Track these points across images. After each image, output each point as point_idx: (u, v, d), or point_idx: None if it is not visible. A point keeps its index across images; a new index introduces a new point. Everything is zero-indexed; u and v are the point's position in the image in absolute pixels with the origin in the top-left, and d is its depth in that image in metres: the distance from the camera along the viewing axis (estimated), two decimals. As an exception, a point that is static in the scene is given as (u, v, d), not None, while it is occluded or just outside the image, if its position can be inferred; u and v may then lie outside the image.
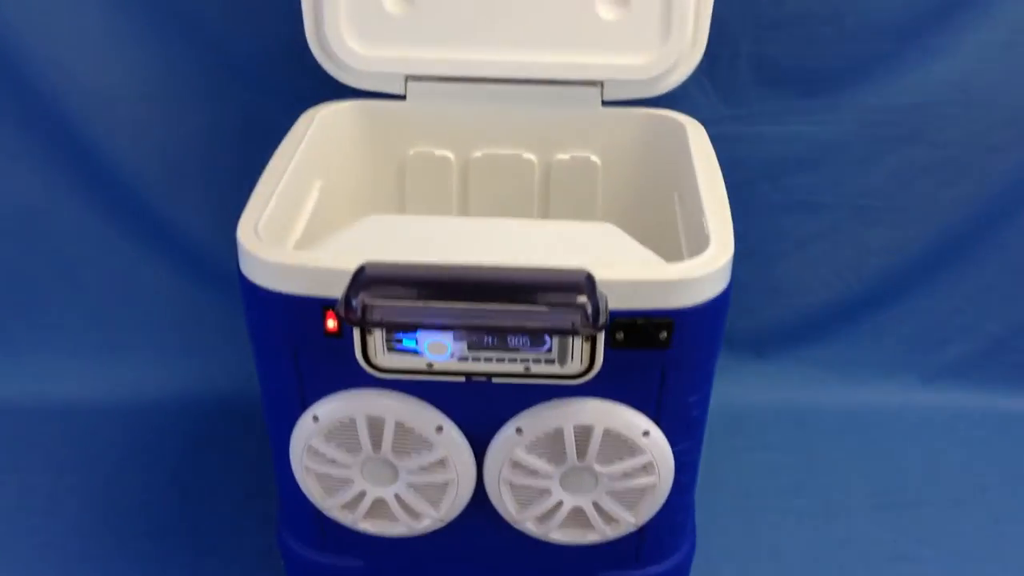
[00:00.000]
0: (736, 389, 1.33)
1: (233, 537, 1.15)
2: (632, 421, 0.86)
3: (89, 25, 1.19)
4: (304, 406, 0.88)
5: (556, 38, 1.05)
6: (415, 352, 0.82)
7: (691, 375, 0.86)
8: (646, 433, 0.86)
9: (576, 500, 0.90)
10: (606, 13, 1.05)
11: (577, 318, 0.74)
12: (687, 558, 1.02)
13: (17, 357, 1.36)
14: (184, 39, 1.20)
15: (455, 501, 0.90)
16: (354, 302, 0.76)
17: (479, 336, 0.80)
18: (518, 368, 0.82)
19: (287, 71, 1.20)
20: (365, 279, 0.76)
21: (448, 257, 0.79)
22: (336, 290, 0.79)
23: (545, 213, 1.15)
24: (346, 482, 0.90)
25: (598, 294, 0.76)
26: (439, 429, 0.86)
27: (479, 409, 0.86)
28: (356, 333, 0.81)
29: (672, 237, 1.01)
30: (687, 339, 0.83)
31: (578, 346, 0.81)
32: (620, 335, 0.81)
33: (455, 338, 0.80)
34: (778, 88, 1.22)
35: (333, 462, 0.89)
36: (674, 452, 0.89)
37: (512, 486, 0.89)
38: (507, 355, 0.81)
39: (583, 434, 0.86)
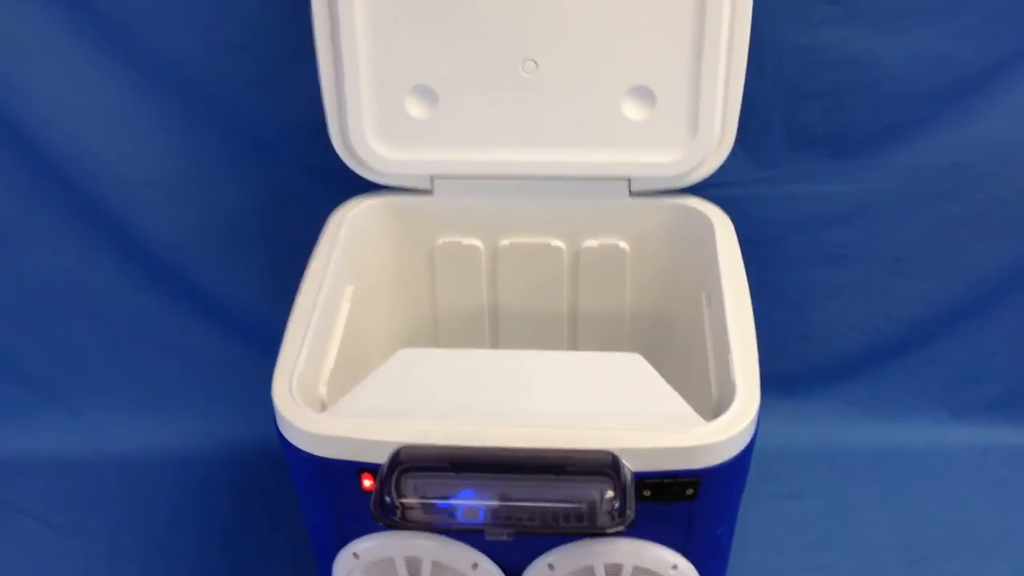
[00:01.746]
0: (766, 428, 1.36)
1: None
2: (661, 557, 0.89)
3: (118, 113, 1.20)
4: (344, 541, 0.92)
5: (582, 137, 1.04)
6: (450, 514, 0.85)
7: (718, 515, 0.89)
8: (675, 567, 0.90)
9: (609, 615, 0.94)
10: (632, 113, 1.03)
11: (602, 499, 0.77)
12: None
13: (75, 417, 1.42)
14: (210, 121, 1.20)
15: (494, 614, 0.95)
16: (389, 485, 0.79)
17: (510, 504, 0.83)
18: (550, 525, 0.85)
19: (312, 146, 1.20)
20: (401, 459, 0.79)
21: (478, 405, 0.85)
22: (370, 455, 0.83)
23: (574, 299, 1.16)
24: (388, 605, 0.95)
25: (623, 480, 0.78)
26: (474, 566, 0.90)
27: (515, 548, 0.90)
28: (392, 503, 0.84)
29: (699, 344, 1.02)
30: (714, 491, 0.85)
31: (607, 509, 0.83)
32: (647, 492, 0.84)
33: (487, 504, 0.83)
34: (810, 151, 1.20)
35: (375, 589, 0.94)
36: (701, 574, 0.92)
37: (547, 610, 0.93)
38: (539, 514, 0.84)
39: (613, 570, 0.89)
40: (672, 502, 0.85)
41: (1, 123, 1.19)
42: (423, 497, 0.79)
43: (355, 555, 0.91)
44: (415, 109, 1.05)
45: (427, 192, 1.09)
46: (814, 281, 1.30)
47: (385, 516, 0.78)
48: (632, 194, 1.08)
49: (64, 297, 1.33)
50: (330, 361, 0.98)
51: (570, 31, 1.00)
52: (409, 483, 0.80)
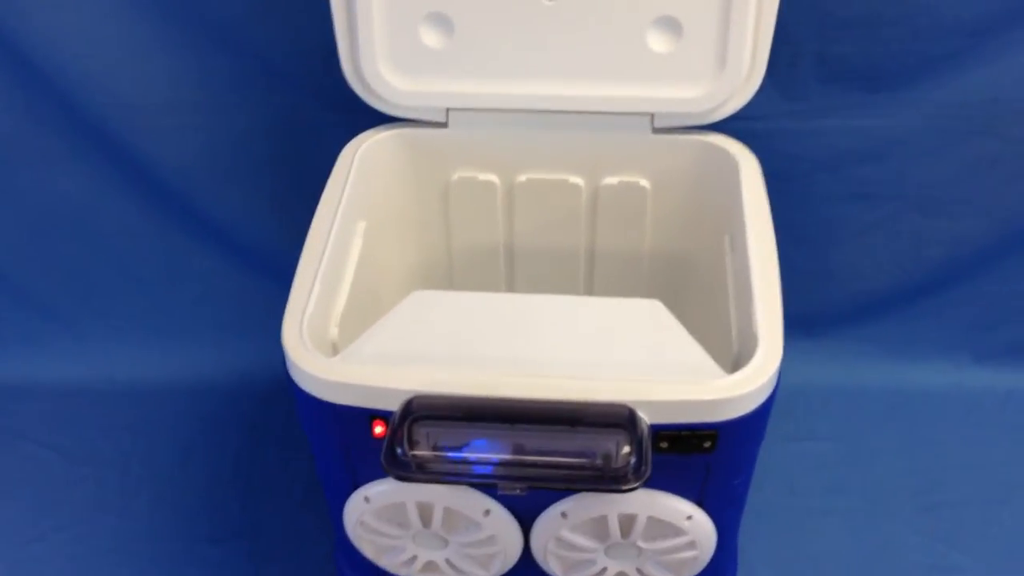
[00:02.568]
0: (784, 368, 1.34)
1: (293, 543, 1.21)
2: (676, 507, 0.88)
3: (130, 40, 1.16)
4: (356, 486, 0.91)
5: (603, 70, 1.00)
6: (461, 462, 0.83)
7: (735, 466, 0.87)
8: (689, 517, 0.88)
9: (620, 566, 0.93)
10: (657, 45, 0.99)
11: (619, 475, 0.75)
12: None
13: (84, 343, 1.41)
14: (220, 47, 1.16)
15: (503, 563, 0.94)
16: (401, 433, 0.77)
17: (523, 456, 0.81)
18: (563, 474, 0.84)
19: (322, 72, 1.15)
20: (413, 408, 0.78)
21: (492, 353, 0.83)
22: (382, 402, 0.81)
23: (592, 238, 1.12)
24: (398, 548, 0.94)
25: (640, 435, 0.76)
26: (487, 512, 0.89)
27: (527, 495, 0.88)
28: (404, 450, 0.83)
29: (720, 289, 0.99)
30: (731, 445, 0.83)
31: (622, 460, 0.81)
32: (664, 444, 0.82)
33: (499, 454, 0.81)
34: (841, 84, 1.15)
35: (385, 535, 0.93)
36: (717, 526, 0.91)
37: (558, 556, 0.92)
38: (552, 466, 0.82)
39: (627, 520, 0.88)
40: (689, 454, 0.83)
41: (4, 43, 1.14)
42: (435, 448, 0.78)
43: (366, 499, 0.90)
44: (430, 38, 1.00)
45: (442, 125, 1.05)
46: (840, 219, 1.26)
47: (396, 468, 0.76)
48: (654, 130, 1.04)
49: (69, 221, 1.31)
50: (341, 302, 0.95)
51: (594, -44, 0.95)
52: (421, 432, 0.78)
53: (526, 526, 0.91)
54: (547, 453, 0.78)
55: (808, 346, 1.36)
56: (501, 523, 0.89)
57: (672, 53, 0.99)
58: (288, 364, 0.85)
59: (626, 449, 0.75)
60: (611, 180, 1.08)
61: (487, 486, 0.84)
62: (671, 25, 0.97)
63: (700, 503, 0.88)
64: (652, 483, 0.86)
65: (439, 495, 0.88)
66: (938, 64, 1.12)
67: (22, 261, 1.35)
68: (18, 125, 1.23)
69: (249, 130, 1.23)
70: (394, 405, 0.79)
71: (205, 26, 1.15)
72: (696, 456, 0.83)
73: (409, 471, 0.77)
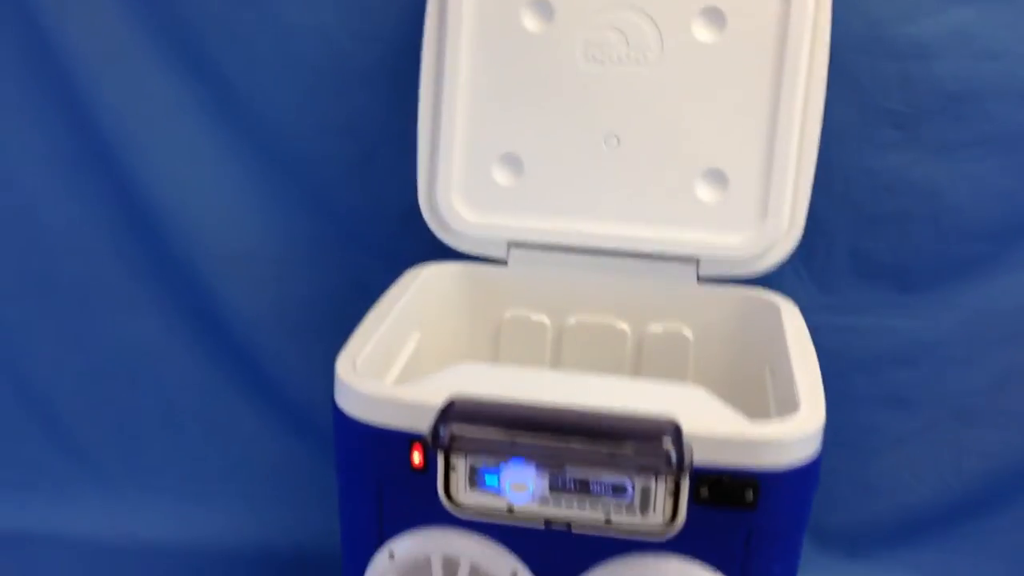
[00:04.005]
0: (827, 590, 1.28)
1: None
2: (713, 585, 0.83)
3: (228, 192, 1.29)
4: (382, 541, 0.88)
5: (656, 215, 1.10)
6: (496, 491, 0.82)
7: (777, 544, 0.84)
8: (727, 601, 0.83)
9: (651, 669, 0.86)
10: (704, 195, 1.09)
11: (661, 459, 0.74)
12: None
13: (113, 495, 1.40)
14: (305, 203, 1.29)
15: (527, 650, 0.88)
16: (442, 430, 0.78)
17: (561, 478, 0.80)
18: (599, 517, 0.82)
19: (398, 238, 1.26)
20: (455, 411, 0.79)
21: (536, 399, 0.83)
22: (425, 425, 0.82)
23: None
24: (417, 623, 0.89)
25: (684, 442, 0.76)
26: (513, 574, 0.85)
27: (556, 559, 0.85)
28: (440, 468, 0.82)
29: (763, 410, 1.01)
30: (774, 503, 0.81)
31: (661, 497, 0.80)
32: (704, 491, 0.80)
33: (537, 476, 0.80)
34: (874, 281, 1.23)
35: (405, 602, 0.88)
36: (756, 624, 0.85)
37: (586, 645, 0.86)
38: (588, 501, 0.81)
39: (662, 595, 0.83)
40: (730, 507, 0.81)
41: (120, 182, 1.29)
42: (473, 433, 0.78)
43: (391, 555, 0.87)
44: (501, 176, 1.12)
45: (502, 262, 1.14)
46: (879, 425, 1.27)
47: (437, 443, 0.76)
48: (699, 280, 1.11)
49: (129, 370, 1.37)
50: (392, 376, 0.98)
51: (653, 111, 1.08)
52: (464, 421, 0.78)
53: (553, 604, 0.86)
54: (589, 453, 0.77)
55: (850, 569, 1.31)
56: (527, 592, 0.85)
57: (718, 203, 1.09)
58: (337, 388, 0.88)
59: (667, 441, 0.74)
60: (656, 328, 1.14)
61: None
62: (718, 177, 1.09)
63: (739, 587, 0.84)
64: (690, 552, 0.83)
65: (467, 550, 0.85)
66: (966, 268, 1.21)
67: (74, 406, 1.39)
68: (107, 269, 1.33)
69: (320, 290, 1.32)
70: None
71: (299, 187, 1.28)
72: (737, 514, 0.81)
73: (448, 445, 0.76)
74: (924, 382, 1.25)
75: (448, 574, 0.86)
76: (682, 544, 0.83)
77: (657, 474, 0.76)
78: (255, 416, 1.37)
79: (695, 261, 1.10)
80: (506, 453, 0.79)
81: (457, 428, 0.77)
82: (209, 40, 1.23)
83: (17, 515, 1.39)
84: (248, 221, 1.30)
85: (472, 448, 0.78)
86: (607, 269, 1.12)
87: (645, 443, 0.76)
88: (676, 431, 0.76)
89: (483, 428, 0.79)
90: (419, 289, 1.10)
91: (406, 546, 0.86)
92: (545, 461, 0.79)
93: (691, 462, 0.76)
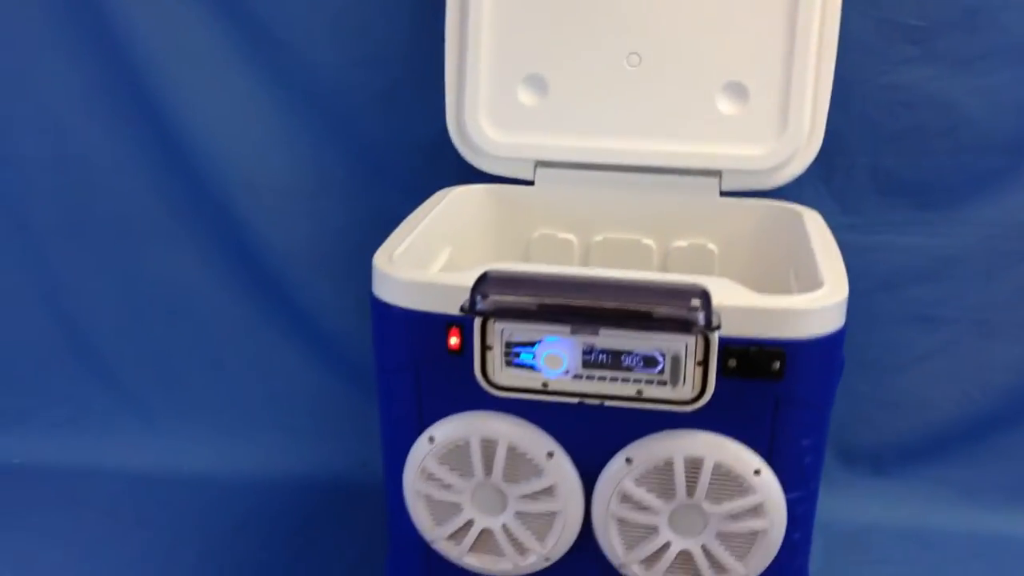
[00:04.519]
0: (854, 506, 1.30)
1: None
2: (743, 457, 0.86)
3: (261, 128, 1.33)
4: (422, 428, 0.91)
5: (678, 130, 1.13)
6: (532, 367, 0.85)
7: (804, 415, 0.86)
8: (757, 472, 0.86)
9: (684, 543, 0.89)
10: (725, 107, 1.12)
11: (692, 316, 0.77)
12: (799, 632, 0.97)
13: (155, 430, 1.45)
14: (336, 139, 1.33)
15: (562, 536, 0.90)
16: (479, 298, 0.81)
17: (594, 351, 0.83)
18: (630, 390, 0.85)
19: (427, 171, 1.30)
20: (490, 279, 0.82)
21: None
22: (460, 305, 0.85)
23: (662, 296, 1.19)
24: (455, 509, 0.92)
25: (711, 305, 0.79)
26: (550, 455, 0.88)
27: (590, 437, 0.88)
28: (476, 347, 0.85)
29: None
30: (799, 373, 0.84)
31: (690, 368, 0.83)
32: (732, 362, 0.83)
33: (571, 349, 0.83)
34: (895, 198, 1.25)
35: (445, 486, 0.91)
36: (786, 500, 0.88)
37: (620, 522, 0.89)
38: (620, 375, 0.84)
39: (693, 467, 0.86)
40: (758, 378, 0.83)
41: (157, 123, 1.33)
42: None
43: (431, 439, 0.90)
44: (526, 97, 1.15)
45: (529, 183, 1.17)
46: (901, 342, 1.30)
47: (473, 305, 0.80)
48: (722, 194, 1.14)
49: (168, 306, 1.41)
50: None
51: (673, 28, 1.11)
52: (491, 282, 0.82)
53: (588, 485, 0.89)
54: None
55: (879, 485, 1.33)
56: (563, 471, 0.88)
57: (739, 115, 1.12)
58: (375, 279, 0.92)
59: (696, 301, 0.77)
60: (681, 243, 1.17)
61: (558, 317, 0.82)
62: (739, 90, 1.12)
63: (769, 460, 0.86)
64: (719, 426, 0.86)
65: (504, 431, 0.88)
66: (984, 182, 1.23)
67: (116, 344, 1.43)
68: (146, 209, 1.37)
69: (350, 222, 1.36)
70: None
71: (328, 121, 1.32)
72: (764, 385, 0.84)
73: (484, 311, 0.80)
74: (946, 298, 1.28)
75: (487, 455, 0.89)
76: (712, 418, 0.85)
77: (688, 329, 0.78)
78: (291, 349, 1.41)
79: (718, 174, 1.13)
80: (540, 317, 0.81)
81: (493, 294, 0.80)
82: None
83: (64, 451, 1.44)
84: (279, 157, 1.34)
85: (508, 311, 0.81)
86: (632, 186, 1.15)
87: (676, 301, 0.79)
88: (704, 294, 0.79)
89: (518, 293, 0.81)
90: (449, 206, 1.13)
91: (445, 430, 0.90)
92: (579, 322, 0.81)
93: (719, 324, 0.79)
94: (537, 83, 1.15)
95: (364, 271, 1.37)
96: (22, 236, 1.40)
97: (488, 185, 1.19)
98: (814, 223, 1.07)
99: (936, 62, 1.19)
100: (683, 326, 0.78)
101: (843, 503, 1.30)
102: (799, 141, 1.11)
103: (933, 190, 1.24)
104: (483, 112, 1.15)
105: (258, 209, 1.35)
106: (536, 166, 1.16)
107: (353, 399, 1.41)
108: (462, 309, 0.80)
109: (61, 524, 1.32)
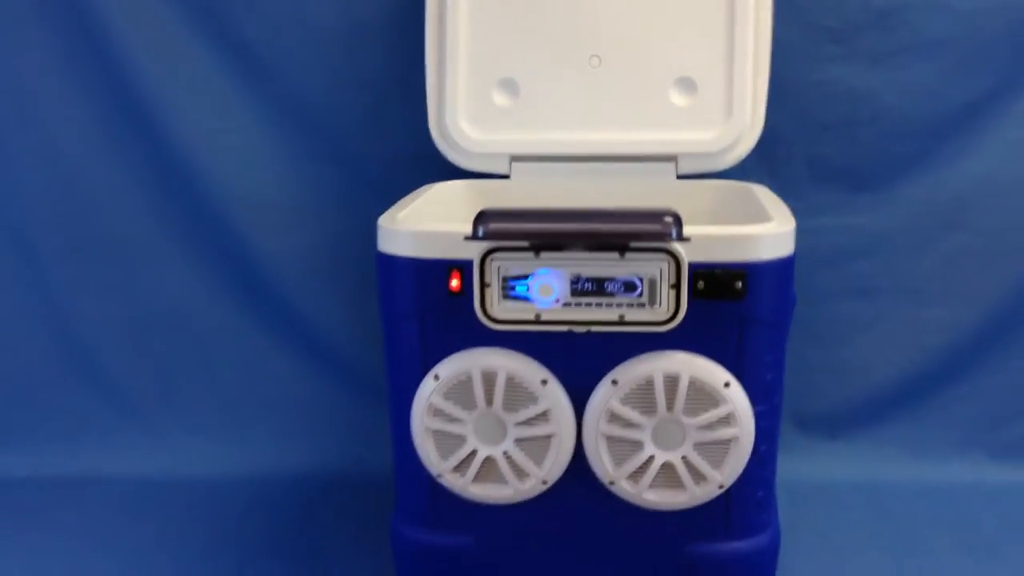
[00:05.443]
0: (813, 467, 1.42)
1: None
2: (714, 372, 0.98)
3: (248, 147, 1.45)
4: (427, 368, 1.01)
5: (637, 121, 1.27)
6: (526, 299, 0.97)
7: (765, 334, 0.99)
8: (727, 384, 0.98)
9: (666, 455, 0.99)
10: (677, 100, 1.27)
11: (666, 228, 0.90)
12: (773, 543, 1.08)
13: (155, 437, 1.52)
14: (323, 156, 1.45)
15: (557, 458, 1.01)
16: (480, 228, 0.93)
17: (580, 280, 0.95)
18: (613, 315, 0.96)
19: (413, 183, 1.41)
20: (488, 213, 0.94)
21: None
22: (460, 253, 0.97)
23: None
24: (460, 441, 1.02)
25: (682, 223, 0.92)
26: (544, 382, 0.99)
27: (579, 364, 0.99)
28: (476, 285, 0.97)
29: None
30: (759, 292, 0.97)
31: (665, 291, 0.95)
32: (701, 284, 0.96)
33: (560, 279, 0.95)
34: (830, 183, 1.40)
35: (450, 419, 1.01)
36: (753, 413, 0.99)
37: (609, 440, 1.00)
38: (604, 300, 0.96)
39: (671, 384, 0.97)
40: (723, 298, 0.96)
41: (155, 145, 1.44)
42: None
43: (436, 376, 1.00)
44: (500, 98, 1.29)
45: (505, 176, 1.30)
46: (844, 315, 1.43)
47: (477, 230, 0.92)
48: (679, 177, 1.28)
49: (166, 319, 1.50)
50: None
51: (629, 32, 1.26)
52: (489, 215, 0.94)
53: (579, 411, 1.00)
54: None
55: (833, 448, 1.45)
56: (556, 397, 0.99)
57: (690, 106, 1.27)
58: (380, 235, 1.03)
59: (669, 217, 0.90)
60: (644, 223, 1.30)
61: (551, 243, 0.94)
62: (688, 84, 1.27)
63: (737, 375, 0.98)
64: (692, 346, 0.98)
65: (502, 363, 0.99)
66: (906, 166, 1.39)
67: (117, 358, 1.51)
68: (144, 226, 1.47)
69: (339, 233, 1.47)
70: (471, 254, 0.96)
71: (317, 139, 1.44)
72: (729, 306, 0.96)
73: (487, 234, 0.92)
74: (881, 272, 1.42)
75: (487, 387, 1.00)
76: (685, 339, 0.98)
77: (664, 239, 0.90)
78: (282, 356, 1.51)
79: (674, 159, 1.27)
80: (534, 238, 0.94)
81: (492, 223, 0.92)
82: (233, 10, 1.40)
83: (67, 461, 1.51)
84: (271, 173, 1.45)
85: (505, 234, 0.93)
86: (598, 174, 1.29)
87: (651, 219, 0.92)
88: (676, 215, 0.92)
89: (513, 221, 0.94)
90: (432, 196, 1.25)
91: (449, 367, 1.00)
92: (568, 239, 0.93)
93: (689, 237, 0.91)
94: (510, 86, 1.29)
95: (352, 279, 1.49)
96: (24, 255, 1.49)
97: (467, 180, 1.31)
98: (763, 193, 1.21)
99: (856, 59, 1.36)
100: (660, 237, 0.90)
101: (802, 466, 1.41)
102: (743, 125, 1.25)
103: (863, 174, 1.40)
104: (462, 114, 1.29)
105: (250, 223, 1.46)
106: (511, 160, 1.29)
107: (342, 401, 1.50)
108: (466, 238, 0.92)
109: (67, 528, 1.38)
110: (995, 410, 1.43)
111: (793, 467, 1.34)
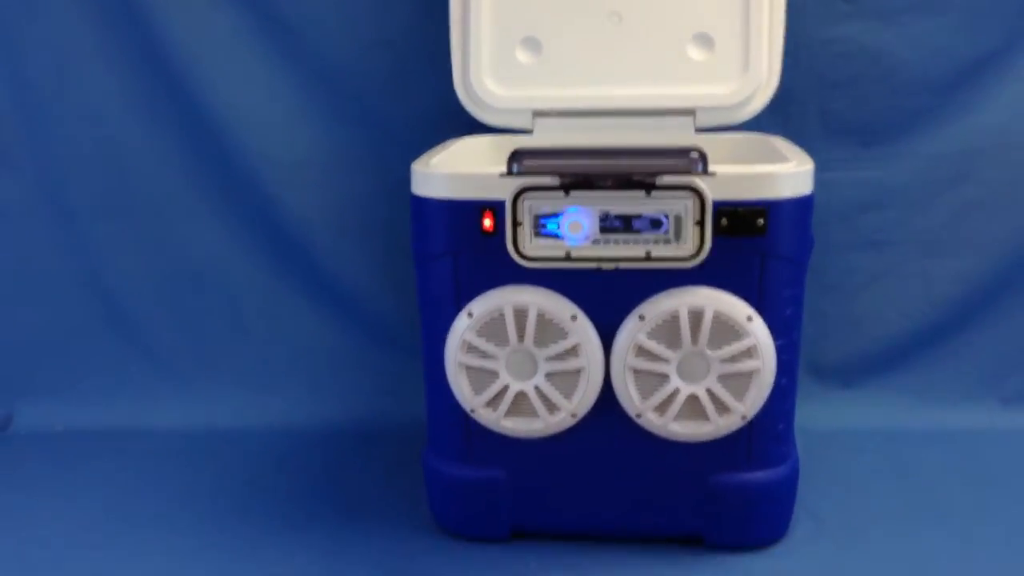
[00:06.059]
0: (829, 415, 1.47)
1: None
2: (737, 306, 1.02)
3: (276, 109, 1.49)
4: (459, 307, 1.06)
5: (656, 76, 1.31)
6: (556, 236, 1.01)
7: (785, 269, 1.04)
8: (749, 318, 1.02)
9: (691, 388, 1.04)
10: (695, 55, 1.31)
11: (692, 163, 0.95)
12: (792, 473, 1.12)
13: (187, 391, 1.57)
14: (350, 115, 1.49)
15: (586, 392, 1.05)
16: (515, 164, 0.98)
17: (609, 218, 1.00)
18: (640, 252, 1.01)
19: (436, 141, 1.45)
20: (521, 151, 0.98)
21: None
22: (493, 193, 1.01)
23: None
24: (492, 376, 1.06)
25: (707, 158, 0.97)
26: (573, 318, 1.04)
27: (607, 300, 1.04)
28: (508, 224, 1.01)
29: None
30: (779, 229, 1.01)
31: (690, 228, 0.99)
32: (724, 221, 1.00)
33: (589, 217, 1.00)
34: (842, 138, 1.44)
35: (483, 355, 1.05)
36: (774, 346, 1.04)
37: (636, 373, 1.04)
38: (631, 237, 1.00)
39: (696, 318, 1.02)
40: (745, 235, 1.00)
41: (187, 107, 1.48)
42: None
43: (470, 314, 1.05)
44: (523, 56, 1.33)
45: (528, 132, 1.34)
46: (857, 266, 1.47)
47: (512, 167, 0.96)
48: (697, 130, 1.32)
49: (197, 276, 1.54)
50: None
51: (647, -12, 1.31)
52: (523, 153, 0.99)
53: (607, 345, 1.04)
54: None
55: (848, 395, 1.49)
56: (585, 331, 1.03)
57: (707, 61, 1.31)
58: (413, 179, 1.08)
59: (695, 153, 0.95)
60: (664, 176, 1.34)
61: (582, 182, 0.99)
62: (706, 40, 1.30)
63: (758, 309, 1.03)
64: (716, 282, 1.03)
65: (533, 299, 1.03)
66: (916, 120, 1.42)
67: (151, 315, 1.56)
68: (177, 186, 1.51)
69: (365, 192, 1.51)
70: (503, 194, 1.00)
71: (344, 99, 1.48)
72: (751, 242, 1.00)
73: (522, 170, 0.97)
74: (892, 224, 1.46)
75: (519, 322, 1.04)
76: (709, 274, 1.02)
77: (690, 172, 0.95)
78: (314, 312, 1.55)
79: (692, 112, 1.31)
80: (566, 172, 0.98)
81: (527, 160, 0.97)
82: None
83: (105, 415, 1.55)
84: (299, 134, 1.49)
85: (539, 170, 0.98)
86: (618, 128, 1.32)
87: (677, 154, 0.97)
88: (701, 151, 0.96)
89: (546, 158, 0.99)
90: (457, 149, 1.29)
91: (482, 305, 1.05)
92: (597, 178, 0.98)
93: (715, 172, 0.96)
94: (532, 44, 1.33)
95: (378, 235, 1.53)
96: (63, 217, 1.53)
97: (492, 135, 1.35)
98: (781, 142, 1.25)
99: (867, 17, 1.40)
100: (686, 171, 0.95)
101: (819, 413, 1.45)
102: (760, 79, 1.29)
103: (874, 129, 1.44)
104: (486, 71, 1.33)
105: (279, 183, 1.50)
106: (534, 116, 1.33)
107: (371, 354, 1.55)
108: (502, 175, 0.97)
109: (105, 477, 1.41)
110: (1005, 358, 1.47)
111: (810, 414, 1.38)
